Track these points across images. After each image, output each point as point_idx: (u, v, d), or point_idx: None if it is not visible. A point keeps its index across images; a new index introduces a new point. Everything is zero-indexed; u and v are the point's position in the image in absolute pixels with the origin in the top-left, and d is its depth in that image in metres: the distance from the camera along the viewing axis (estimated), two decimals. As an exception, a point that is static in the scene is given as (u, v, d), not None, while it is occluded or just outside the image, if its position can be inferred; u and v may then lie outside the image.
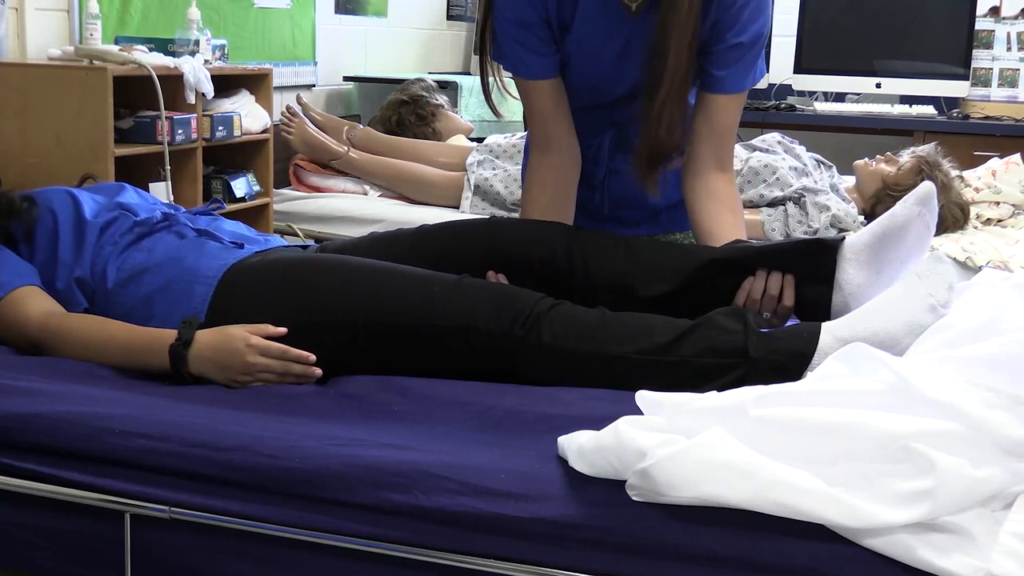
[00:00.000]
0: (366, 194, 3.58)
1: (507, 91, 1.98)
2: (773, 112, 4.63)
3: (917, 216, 1.60)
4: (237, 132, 3.09)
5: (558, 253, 1.76)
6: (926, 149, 3.34)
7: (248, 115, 3.18)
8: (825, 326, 1.48)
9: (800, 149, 3.41)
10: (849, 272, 1.65)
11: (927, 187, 1.61)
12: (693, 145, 1.91)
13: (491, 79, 1.95)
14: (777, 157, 3.28)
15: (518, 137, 3.61)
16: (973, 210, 3.35)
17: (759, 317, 1.71)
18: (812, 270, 1.68)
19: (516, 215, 2.83)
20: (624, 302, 1.66)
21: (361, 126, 3.78)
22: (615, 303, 1.62)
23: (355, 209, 3.44)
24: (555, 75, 1.91)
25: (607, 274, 1.75)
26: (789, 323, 1.62)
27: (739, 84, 1.86)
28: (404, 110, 3.86)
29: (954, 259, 2.96)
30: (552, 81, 1.91)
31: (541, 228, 1.83)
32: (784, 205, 3.18)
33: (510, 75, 1.94)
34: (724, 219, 1.89)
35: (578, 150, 2.00)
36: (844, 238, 1.67)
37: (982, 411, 1.10)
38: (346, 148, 3.59)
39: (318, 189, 3.61)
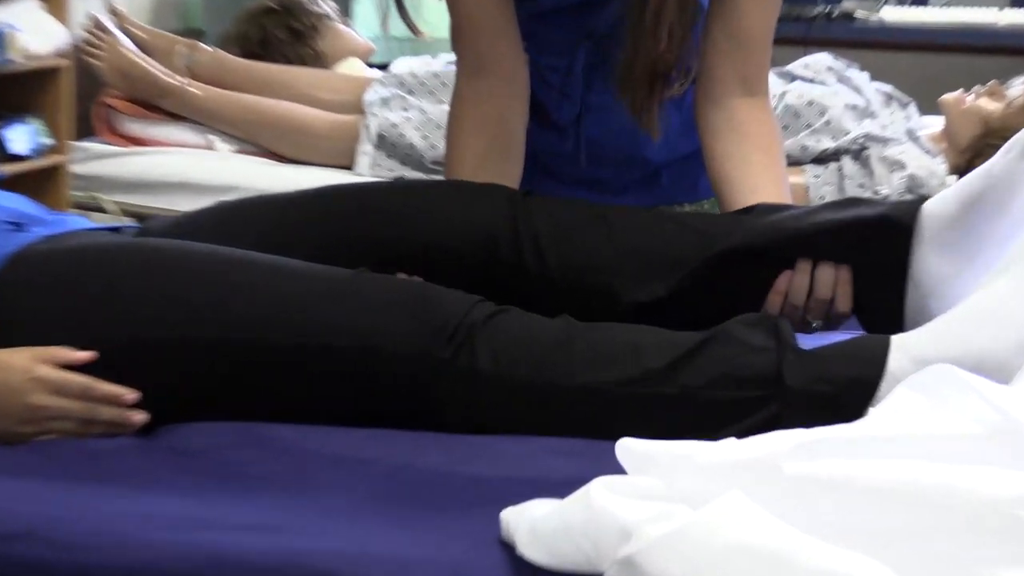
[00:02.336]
0: (213, 148, 3.57)
1: None
2: (822, 23, 4.67)
3: None
4: (14, 57, 3.07)
5: (499, 241, 1.78)
6: (1047, 77, 3.40)
7: (32, 31, 3.15)
8: (895, 341, 1.49)
9: (861, 78, 3.44)
10: (928, 260, 1.67)
11: None
12: (709, 60, 1.96)
13: None
14: (827, 91, 3.31)
15: (443, 63, 3.61)
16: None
17: (803, 326, 1.73)
18: (876, 259, 1.71)
19: (439, 178, 2.83)
20: (599, 311, 1.68)
21: (206, 47, 3.77)
22: (586, 312, 1.63)
23: (196, 172, 3.43)
24: None
25: (573, 271, 1.76)
26: (844, 334, 1.64)
27: None
28: (270, 23, 3.85)
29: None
30: None
31: (472, 199, 1.84)
32: (838, 161, 3.21)
33: None
34: (752, 161, 1.94)
35: (526, 75, 2.04)
36: (921, 203, 1.69)
37: (1125, 463, 1.12)
38: (183, 80, 3.58)
39: (140, 142, 3.60)
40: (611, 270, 1.75)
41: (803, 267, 1.73)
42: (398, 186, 1.87)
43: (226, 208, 1.91)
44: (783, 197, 1.94)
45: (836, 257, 1.72)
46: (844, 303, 1.73)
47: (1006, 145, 1.64)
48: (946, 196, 1.69)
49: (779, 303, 1.73)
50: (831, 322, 1.75)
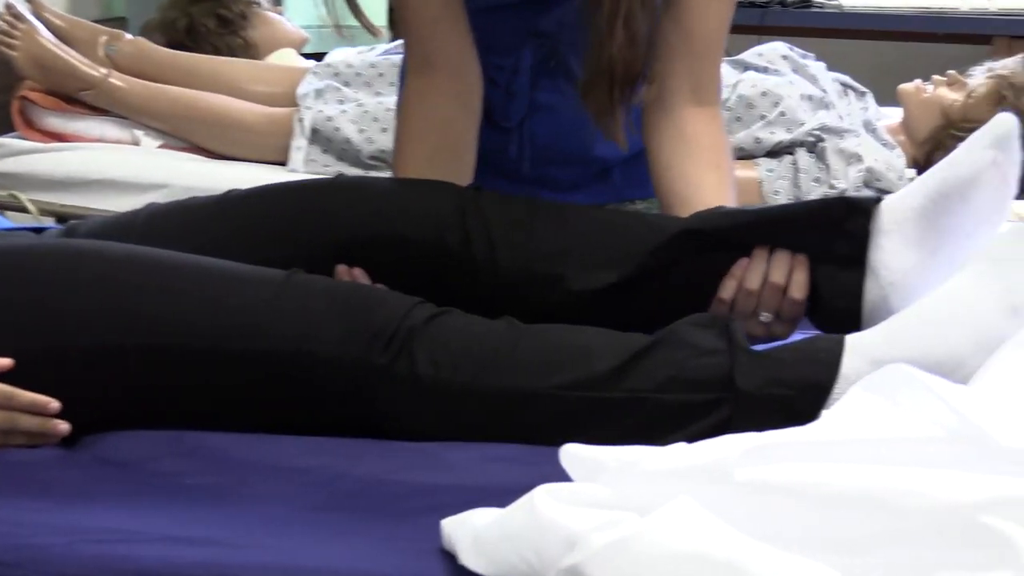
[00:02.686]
0: (138, 144, 3.55)
1: None
2: (776, 9, 4.68)
3: (990, 165, 1.65)
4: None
5: (448, 231, 1.79)
6: (1010, 64, 3.41)
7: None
8: (849, 341, 1.51)
9: (817, 67, 3.46)
10: (889, 251, 1.69)
11: (1004, 121, 1.66)
12: (661, 62, 1.96)
13: None
14: (782, 80, 3.32)
15: (379, 54, 3.60)
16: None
17: (754, 322, 1.75)
18: (834, 247, 1.73)
19: (379, 175, 2.83)
20: (549, 302, 1.69)
21: (129, 36, 3.75)
22: (535, 305, 1.65)
23: (120, 169, 3.40)
24: None
25: (523, 259, 1.78)
26: (799, 335, 1.65)
27: None
28: (197, 10, 3.83)
29: (1052, 234, 3.03)
30: None
31: (419, 192, 1.85)
32: (793, 154, 3.23)
33: None
34: (703, 178, 1.95)
35: (479, 71, 2.05)
36: (882, 199, 1.72)
37: (1086, 465, 1.13)
38: (105, 71, 3.56)
39: (60, 137, 3.57)
40: (561, 258, 1.77)
41: (759, 253, 1.75)
42: (340, 182, 1.88)
43: (158, 210, 1.91)
44: None
45: (793, 245, 1.74)
46: (798, 290, 1.73)
47: (970, 138, 1.67)
48: (908, 189, 1.71)
49: (733, 288, 1.74)
50: (783, 317, 1.76)
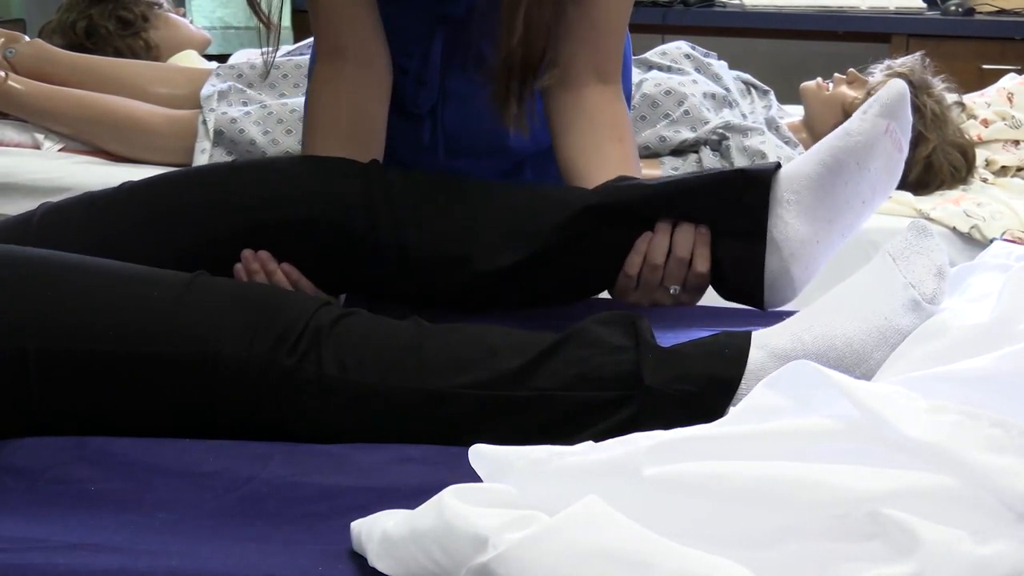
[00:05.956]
0: (40, 147, 3.52)
1: None
2: (679, 8, 4.71)
3: (884, 133, 1.68)
4: None
5: (354, 213, 1.81)
6: (908, 62, 3.45)
7: None
8: (756, 337, 1.52)
9: (720, 66, 3.48)
10: (788, 222, 1.73)
11: (895, 89, 1.69)
12: (564, 45, 1.98)
13: None
14: (686, 79, 3.34)
15: (282, 55, 3.59)
16: (980, 154, 3.46)
17: (661, 292, 1.81)
18: (734, 221, 1.77)
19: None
20: (456, 283, 1.71)
21: (28, 38, 3.72)
22: (443, 286, 1.66)
23: (21, 172, 3.37)
24: None
25: (429, 241, 1.81)
26: (704, 331, 1.66)
27: None
28: (98, 13, 3.81)
29: (952, 229, 3.07)
30: None
31: (323, 173, 1.86)
32: (697, 152, 3.25)
33: None
34: (605, 152, 1.98)
35: (388, 59, 2.07)
36: (778, 165, 1.75)
37: (985, 457, 1.14)
38: (3, 74, 3.53)
39: (-42, 141, 3.54)
40: (467, 238, 1.80)
41: (663, 227, 1.80)
42: (240, 165, 1.88)
43: (54, 208, 1.89)
44: None
45: (695, 216, 1.79)
46: (702, 263, 1.80)
47: (864, 104, 1.72)
48: (804, 157, 1.76)
49: (638, 263, 1.79)
50: (689, 288, 1.82)
